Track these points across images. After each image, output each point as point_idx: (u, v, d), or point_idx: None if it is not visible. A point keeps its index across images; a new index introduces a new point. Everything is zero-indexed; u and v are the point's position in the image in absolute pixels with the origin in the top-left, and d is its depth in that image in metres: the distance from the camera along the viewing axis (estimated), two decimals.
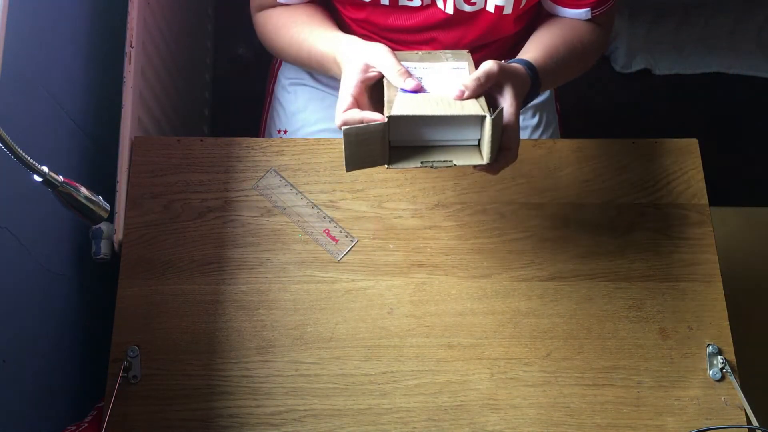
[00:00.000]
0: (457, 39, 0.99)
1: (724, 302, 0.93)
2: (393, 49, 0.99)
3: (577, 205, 0.98)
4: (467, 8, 0.93)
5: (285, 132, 1.15)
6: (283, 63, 1.17)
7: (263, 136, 1.19)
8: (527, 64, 0.86)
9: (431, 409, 0.88)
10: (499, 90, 0.80)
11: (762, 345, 1.46)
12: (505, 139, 0.78)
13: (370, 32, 1.02)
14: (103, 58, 1.03)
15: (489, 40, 1.00)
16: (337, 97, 1.14)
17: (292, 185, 0.98)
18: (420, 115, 0.74)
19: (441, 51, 0.89)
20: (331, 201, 0.97)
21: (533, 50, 0.90)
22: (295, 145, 1.00)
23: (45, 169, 0.63)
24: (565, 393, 0.89)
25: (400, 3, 0.94)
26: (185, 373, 0.88)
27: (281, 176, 0.98)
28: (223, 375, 0.88)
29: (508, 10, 0.92)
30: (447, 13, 0.94)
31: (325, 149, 0.99)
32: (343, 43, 0.86)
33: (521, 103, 0.82)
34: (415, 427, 0.87)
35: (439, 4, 0.94)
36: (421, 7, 0.94)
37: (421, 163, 0.76)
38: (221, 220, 0.95)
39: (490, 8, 0.93)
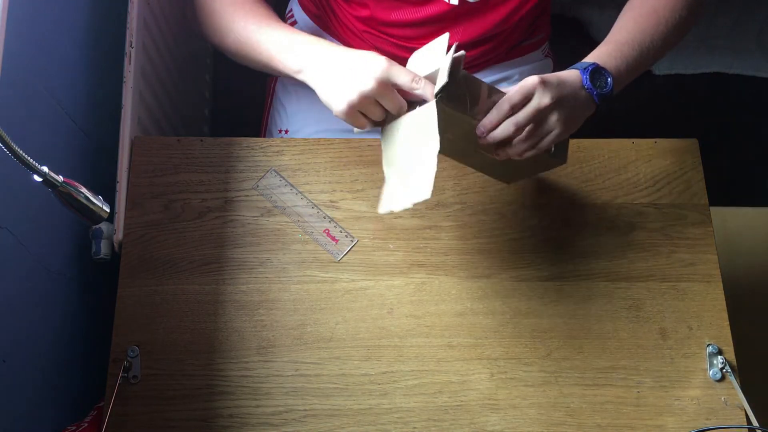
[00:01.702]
0: (462, 30, 0.99)
1: (724, 302, 0.93)
2: (396, 44, 0.98)
3: (577, 205, 0.98)
4: None
5: (286, 131, 1.15)
6: None
7: (264, 136, 1.19)
8: (575, 65, 0.85)
9: (431, 409, 0.88)
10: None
11: (762, 345, 1.46)
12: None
13: (372, 29, 1.02)
14: (103, 58, 1.02)
15: (495, 31, 1.00)
16: None
17: (292, 185, 0.98)
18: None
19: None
20: (331, 201, 0.97)
21: (603, 47, 0.88)
22: (295, 145, 1.00)
23: (45, 169, 0.63)
24: (565, 393, 0.89)
25: None
26: (185, 373, 0.88)
27: (281, 176, 0.98)
28: (223, 375, 0.88)
29: None
30: (452, 5, 0.94)
31: (325, 149, 0.99)
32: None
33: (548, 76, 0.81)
34: (415, 427, 0.87)
35: None
36: (424, 1, 0.94)
37: None
38: (221, 220, 0.95)
39: None
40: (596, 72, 0.84)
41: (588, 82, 0.83)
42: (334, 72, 0.83)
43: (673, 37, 0.93)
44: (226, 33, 0.95)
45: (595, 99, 0.83)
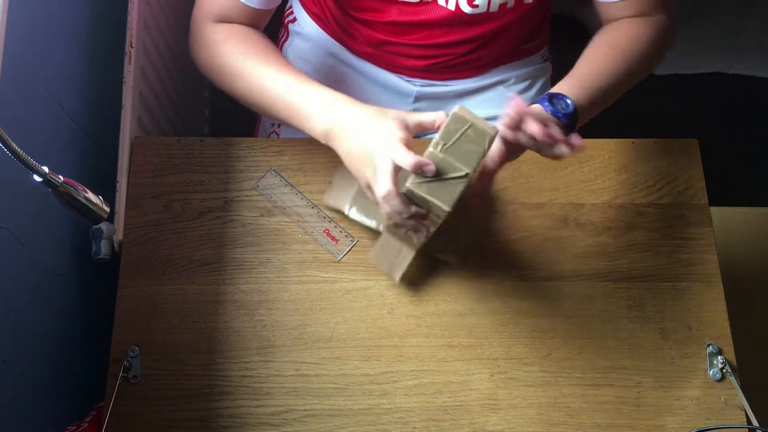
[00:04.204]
0: (460, 36, 0.99)
1: (724, 302, 0.93)
2: (394, 48, 0.97)
3: (577, 205, 0.98)
4: (468, 10, 0.93)
5: (279, 126, 1.14)
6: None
7: (257, 135, 1.19)
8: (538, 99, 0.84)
9: (431, 409, 0.88)
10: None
11: (762, 345, 1.46)
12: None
13: (378, 32, 1.01)
14: (103, 58, 1.02)
15: (494, 33, 1.01)
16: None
17: (292, 185, 0.98)
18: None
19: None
20: None
21: (563, 82, 0.87)
22: (295, 145, 1.00)
23: (45, 169, 0.63)
24: (565, 393, 0.89)
25: None
26: (185, 373, 0.88)
27: (281, 176, 0.98)
28: (223, 375, 0.88)
29: (511, 5, 0.93)
30: (449, 10, 0.94)
31: (325, 149, 0.99)
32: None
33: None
34: (415, 427, 0.87)
35: (440, 1, 0.93)
36: (421, 4, 0.94)
37: None
38: (221, 220, 0.95)
39: (494, 8, 0.93)
40: (553, 96, 0.82)
41: (549, 107, 0.81)
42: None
43: (639, 72, 0.92)
44: (235, 78, 0.89)
45: (562, 119, 0.82)
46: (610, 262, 0.95)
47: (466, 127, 0.75)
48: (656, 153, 1.01)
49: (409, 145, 0.75)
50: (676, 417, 0.88)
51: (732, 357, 0.91)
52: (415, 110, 1.12)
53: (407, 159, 0.74)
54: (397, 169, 0.75)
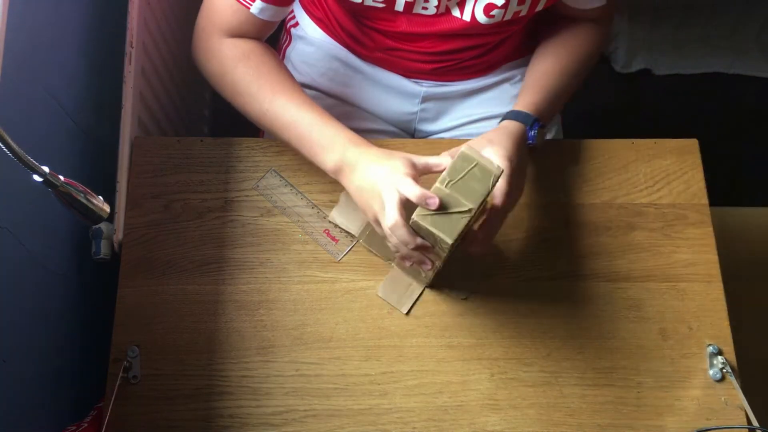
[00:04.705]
0: (471, 42, 0.99)
1: (724, 302, 0.93)
2: (403, 53, 1.00)
3: (577, 205, 0.98)
4: (484, 20, 0.92)
5: None
6: (285, 63, 1.16)
7: (263, 135, 1.19)
8: (517, 115, 0.91)
9: (431, 409, 0.88)
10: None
11: (762, 345, 1.46)
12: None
13: (389, 38, 1.01)
14: (103, 58, 1.02)
15: (503, 38, 1.02)
16: (343, 104, 1.13)
17: (292, 185, 0.98)
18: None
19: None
20: (331, 201, 0.97)
21: (526, 94, 0.95)
22: None
23: (45, 169, 0.63)
24: (565, 393, 0.89)
25: (414, 11, 0.93)
26: (185, 373, 0.88)
27: (281, 176, 0.98)
28: (223, 375, 0.88)
29: (524, 12, 0.93)
30: (465, 21, 0.93)
31: None
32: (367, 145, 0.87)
33: (511, 154, 0.86)
34: (415, 427, 0.87)
35: (455, 12, 0.93)
36: (436, 15, 0.94)
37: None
38: (221, 220, 0.95)
39: (509, 17, 0.93)
40: (540, 129, 0.92)
41: (533, 140, 0.91)
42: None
43: (584, 76, 1.01)
44: (248, 99, 0.91)
45: (531, 142, 0.92)
46: (609, 262, 0.95)
47: (472, 165, 0.78)
48: (656, 153, 1.01)
49: (415, 181, 0.79)
50: (676, 417, 0.88)
51: (732, 357, 0.91)
52: (422, 110, 1.12)
53: (413, 191, 0.76)
54: (404, 202, 0.78)
